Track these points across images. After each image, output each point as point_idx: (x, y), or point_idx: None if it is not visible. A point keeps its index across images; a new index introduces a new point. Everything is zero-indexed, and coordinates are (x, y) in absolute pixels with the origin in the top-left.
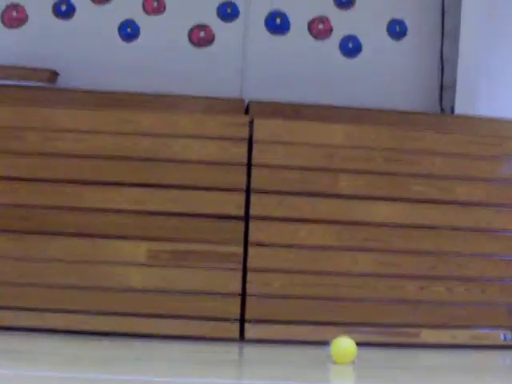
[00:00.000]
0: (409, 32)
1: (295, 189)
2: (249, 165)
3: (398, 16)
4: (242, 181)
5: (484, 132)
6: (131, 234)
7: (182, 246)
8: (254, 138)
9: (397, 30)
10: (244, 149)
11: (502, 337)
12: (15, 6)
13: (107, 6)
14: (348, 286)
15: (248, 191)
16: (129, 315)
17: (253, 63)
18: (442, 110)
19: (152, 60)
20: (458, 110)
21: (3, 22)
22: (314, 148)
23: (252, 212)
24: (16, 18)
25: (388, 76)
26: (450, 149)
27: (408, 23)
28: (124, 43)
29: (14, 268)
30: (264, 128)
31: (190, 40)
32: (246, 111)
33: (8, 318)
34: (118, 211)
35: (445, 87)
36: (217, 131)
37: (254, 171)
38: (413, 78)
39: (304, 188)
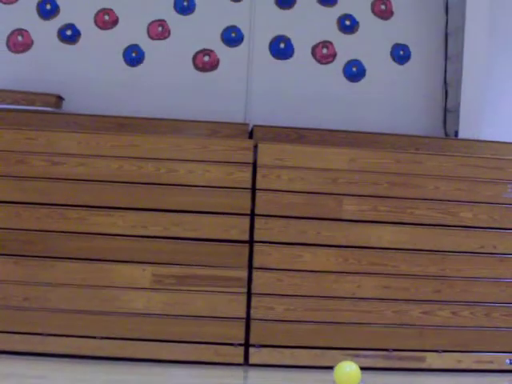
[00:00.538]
0: (412, 56)
1: (299, 213)
2: (253, 189)
3: (401, 40)
4: (246, 205)
5: (488, 156)
6: (136, 258)
7: (186, 270)
8: (258, 163)
9: (400, 54)
10: (248, 173)
11: (508, 361)
12: (20, 31)
13: (112, 31)
14: (352, 311)
15: (252, 215)
16: (133, 340)
17: (257, 88)
18: (446, 133)
19: (156, 84)
20: (461, 134)
21: (8, 47)
22: (318, 172)
23: (256, 236)
24: (21, 42)
25: (392, 100)
26: (454, 172)
27: (412, 47)
28: (129, 68)
29: (18, 292)
30: (268, 152)
31: (195, 65)
32: (250, 135)
33: (13, 342)
34: (123, 235)
35: (449, 111)
36: (221, 155)
37: (259, 195)
38: (417, 102)
39: (308, 212)
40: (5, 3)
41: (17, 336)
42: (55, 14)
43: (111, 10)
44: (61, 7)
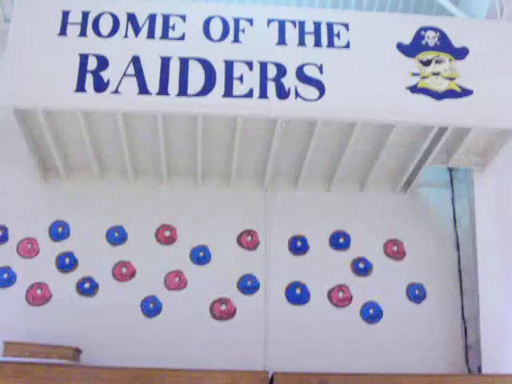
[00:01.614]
0: (428, 294)
1: None
2: None
3: (416, 279)
4: None
5: None
6: None
7: None
8: None
9: (416, 293)
10: None
11: None
12: (40, 284)
13: (130, 283)
14: None
15: None
16: None
17: (275, 334)
18: (469, 370)
19: (174, 334)
20: (485, 370)
21: (28, 301)
22: None
23: None
24: (40, 296)
25: (412, 339)
26: None
27: (426, 286)
28: (146, 319)
29: None
30: None
31: (212, 314)
32: (271, 382)
33: None
34: None
35: (469, 347)
36: None
37: None
38: (436, 339)
39: None
40: (25, 257)
41: None
42: (74, 267)
43: (129, 262)
44: (79, 261)
